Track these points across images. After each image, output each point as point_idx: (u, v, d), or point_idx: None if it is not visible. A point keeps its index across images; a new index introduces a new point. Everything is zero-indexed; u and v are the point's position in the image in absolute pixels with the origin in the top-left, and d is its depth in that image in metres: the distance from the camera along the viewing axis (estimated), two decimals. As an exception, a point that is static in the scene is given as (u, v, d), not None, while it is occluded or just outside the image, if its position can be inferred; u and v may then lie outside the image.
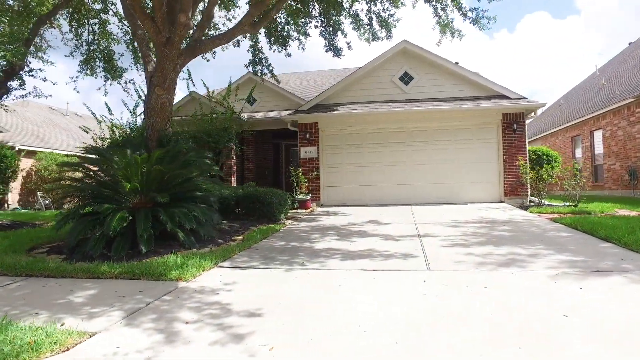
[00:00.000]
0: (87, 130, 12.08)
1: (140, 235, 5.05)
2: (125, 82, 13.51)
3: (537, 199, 9.22)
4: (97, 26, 12.09)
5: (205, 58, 12.25)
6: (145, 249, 5.03)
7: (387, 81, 11.38)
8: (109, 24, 12.32)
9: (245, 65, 11.80)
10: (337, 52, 11.62)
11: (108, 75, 13.06)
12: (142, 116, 12.23)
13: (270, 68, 11.82)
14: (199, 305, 3.22)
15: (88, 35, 12.15)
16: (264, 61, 11.72)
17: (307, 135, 11.40)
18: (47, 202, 16.44)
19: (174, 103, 13.55)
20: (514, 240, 5.47)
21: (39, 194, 16.55)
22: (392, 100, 11.24)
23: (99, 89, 13.57)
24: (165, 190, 5.99)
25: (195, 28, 6.53)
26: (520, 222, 7.00)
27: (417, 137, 11.09)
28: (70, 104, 49.95)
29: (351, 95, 11.57)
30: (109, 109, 13.15)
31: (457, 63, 16.92)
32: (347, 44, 11.43)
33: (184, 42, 6.82)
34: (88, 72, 12.82)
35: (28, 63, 11.48)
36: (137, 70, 13.58)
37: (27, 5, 8.74)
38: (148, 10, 6.26)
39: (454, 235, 5.95)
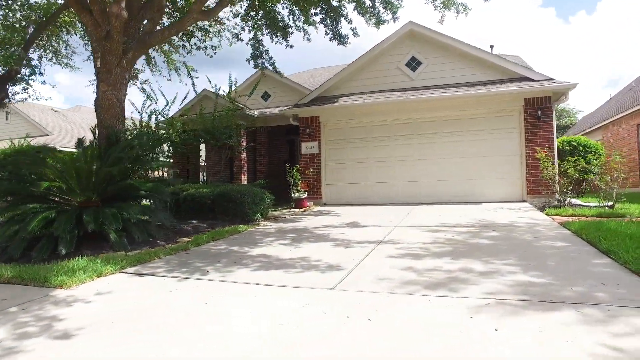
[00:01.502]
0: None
1: (59, 236, 4.78)
2: (142, 83, 13.77)
3: (564, 198, 7.67)
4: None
5: (208, 55, 12.07)
6: (65, 250, 4.75)
7: (393, 68, 10.31)
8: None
9: (247, 60, 11.38)
10: (341, 40, 10.80)
11: (123, 77, 13.38)
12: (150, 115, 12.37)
13: (272, 61, 11.29)
14: (35, 319, 2.81)
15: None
16: (264, 54, 11.25)
17: (308, 130, 10.72)
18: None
19: (184, 102, 13.69)
20: (488, 250, 4.38)
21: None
22: (399, 88, 10.16)
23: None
24: (105, 189, 5.71)
25: (147, 21, 6.18)
26: (520, 227, 5.75)
27: (426, 128, 9.92)
28: (130, 108, 53.18)
29: (354, 86, 10.66)
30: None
31: (492, 47, 15.18)
32: (353, 30, 10.47)
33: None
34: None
35: (41, 70, 12.09)
36: (152, 71, 13.76)
37: (27, 16, 9.07)
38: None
39: (421, 243, 4.97)
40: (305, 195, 9.84)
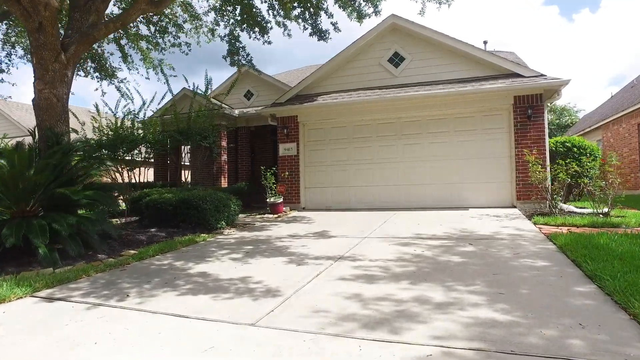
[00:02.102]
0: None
1: (-30, 252, 4.20)
2: (121, 82, 13.20)
3: (555, 204, 7.03)
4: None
5: (184, 52, 11.47)
6: (-22, 268, 4.17)
7: (375, 64, 9.69)
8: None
9: (223, 57, 10.79)
10: (322, 35, 10.20)
11: (99, 75, 12.83)
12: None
13: (249, 58, 10.70)
14: None
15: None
16: (241, 50, 10.66)
17: (286, 131, 10.12)
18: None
19: (162, 101, 13.09)
20: (456, 272, 3.77)
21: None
22: (381, 86, 9.54)
23: (96, 89, 13.38)
24: (39, 198, 5.13)
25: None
26: (501, 240, 5.14)
27: (410, 128, 9.30)
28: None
29: (335, 83, 10.05)
30: (97, 109, 12.83)
31: (485, 43, 14.53)
32: (333, 25, 9.87)
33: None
34: (81, 73, 12.67)
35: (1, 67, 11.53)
36: (129, 69, 13.19)
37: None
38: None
39: (384, 260, 4.37)
40: (281, 200, 9.24)
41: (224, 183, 12.83)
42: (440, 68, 9.10)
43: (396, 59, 9.48)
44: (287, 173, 9.97)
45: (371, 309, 2.88)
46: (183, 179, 13.62)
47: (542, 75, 8.17)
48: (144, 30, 11.64)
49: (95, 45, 12.54)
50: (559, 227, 5.76)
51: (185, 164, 17.21)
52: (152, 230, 6.91)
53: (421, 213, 8.29)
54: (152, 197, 7.59)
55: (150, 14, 10.04)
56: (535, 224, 6.22)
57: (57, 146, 5.43)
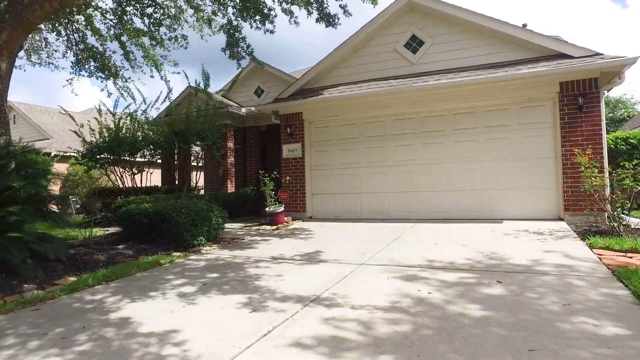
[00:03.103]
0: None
1: None
2: (126, 81, 12.61)
3: (619, 219, 5.39)
4: (79, 23, 11.27)
5: (182, 46, 10.60)
6: None
7: (389, 51, 8.34)
8: (94, 18, 11.45)
9: (222, 49, 9.82)
10: (330, 20, 8.98)
11: (102, 75, 12.27)
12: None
13: (250, 50, 9.67)
14: None
15: (72, 32, 11.42)
16: (240, 41, 9.65)
17: (289, 129, 8.97)
18: (77, 206, 16.75)
19: (165, 101, 12.35)
20: (469, 339, 2.46)
21: (70, 197, 16.92)
22: (396, 75, 8.18)
23: (102, 90, 12.83)
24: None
25: None
26: (543, 276, 3.71)
27: (431, 125, 7.88)
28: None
29: (343, 75, 8.79)
30: (99, 111, 12.25)
31: (524, 26, 12.77)
32: (343, 7, 8.62)
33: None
34: (84, 73, 12.18)
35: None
36: (132, 67, 12.55)
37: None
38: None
39: (371, 307, 3.10)
40: (281, 209, 8.10)
41: (231, 187, 11.90)
42: (467, 52, 7.62)
43: (414, 44, 8.09)
44: (288, 178, 8.83)
45: None
46: (194, 183, 12.85)
47: (597, 54, 6.52)
48: (138, 23, 10.93)
49: (97, 44, 11.99)
50: (629, 255, 4.23)
51: (200, 165, 16.53)
52: (120, 247, 5.97)
53: (443, 227, 6.88)
54: (129, 207, 6.69)
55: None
56: (591, 247, 4.69)
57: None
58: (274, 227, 7.81)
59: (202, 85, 10.68)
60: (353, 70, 8.65)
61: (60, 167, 17.30)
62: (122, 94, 11.32)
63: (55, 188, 17.47)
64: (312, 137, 9.00)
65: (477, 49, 7.55)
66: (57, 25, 11.11)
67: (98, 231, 8.24)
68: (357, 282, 3.87)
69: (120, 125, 10.83)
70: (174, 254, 5.64)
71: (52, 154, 16.59)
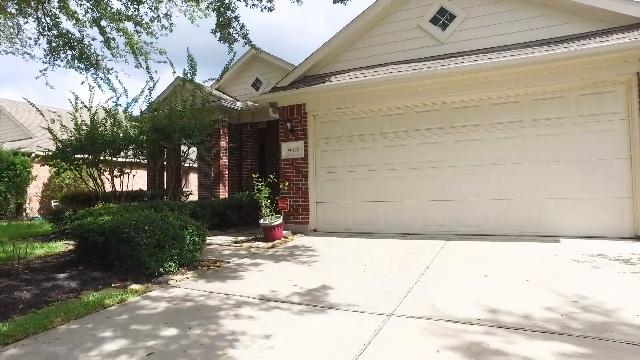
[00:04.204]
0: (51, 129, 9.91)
1: None
2: (108, 72, 11.20)
3: None
4: (51, 3, 9.89)
5: (166, 27, 9.19)
6: None
7: (411, 28, 6.86)
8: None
9: (211, 31, 8.39)
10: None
11: (81, 66, 10.87)
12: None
13: (244, 31, 8.23)
14: None
15: (43, 15, 10.03)
16: (233, 21, 8.21)
17: (289, 124, 7.51)
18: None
19: (151, 95, 10.95)
20: None
21: (52, 202, 15.56)
22: (420, 58, 6.71)
23: (82, 83, 11.45)
24: None
25: None
26: None
27: (464, 118, 6.40)
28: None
29: (354, 58, 7.32)
30: (76, 106, 10.82)
31: None
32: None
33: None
34: (59, 63, 10.81)
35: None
36: (114, 57, 11.14)
37: None
38: None
39: None
40: (279, 222, 6.63)
41: (224, 192, 10.45)
42: (508, 27, 6.13)
43: (442, 18, 6.60)
44: (288, 183, 7.37)
45: None
46: (186, 188, 11.41)
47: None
48: (117, 4, 9.54)
49: (75, 30, 10.60)
50: None
51: (194, 166, 15.09)
52: (62, 276, 4.52)
53: (483, 247, 5.39)
54: (83, 220, 5.25)
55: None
56: None
57: None
58: (270, 244, 6.34)
59: (188, 75, 9.25)
60: (366, 53, 7.18)
61: (44, 169, 15.96)
62: (99, 85, 9.94)
63: (35, 191, 16.13)
64: (317, 133, 7.53)
65: (522, 22, 6.05)
66: (24, 6, 9.73)
67: (58, 246, 6.82)
68: (391, 353, 2.40)
69: (97, 120, 9.44)
70: (132, 286, 4.20)
71: (33, 154, 15.25)
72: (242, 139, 11.35)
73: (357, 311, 3.21)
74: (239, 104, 10.79)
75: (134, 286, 4.23)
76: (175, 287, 4.22)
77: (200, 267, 4.97)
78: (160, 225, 4.59)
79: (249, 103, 10.69)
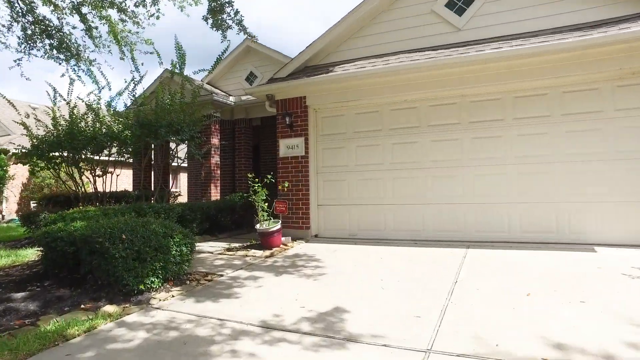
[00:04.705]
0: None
1: None
2: (90, 64, 10.38)
3: None
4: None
5: (152, 15, 8.43)
6: None
7: (424, 13, 6.23)
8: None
9: (203, 18, 7.66)
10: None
11: (60, 56, 10.03)
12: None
13: (238, 17, 7.52)
14: None
15: (17, 0, 9.19)
16: (226, 6, 7.51)
17: (288, 119, 6.83)
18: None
19: (145, 87, 10.20)
20: None
21: (31, 203, 14.64)
22: (435, 46, 6.08)
23: (63, 75, 10.59)
24: None
25: None
26: None
27: (483, 113, 5.79)
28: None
29: (360, 47, 6.67)
30: (52, 97, 9.95)
31: None
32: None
33: None
34: (36, 52, 9.96)
35: None
36: (97, 47, 10.33)
37: None
38: None
39: None
40: (278, 227, 5.94)
41: (215, 194, 9.72)
42: (533, 11, 5.54)
43: (459, 2, 5.98)
44: (287, 183, 6.69)
45: None
46: (174, 188, 10.64)
47: None
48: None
49: (53, 16, 9.80)
50: None
51: (183, 165, 14.31)
52: (20, 295, 3.79)
53: (511, 257, 4.78)
54: (52, 226, 4.50)
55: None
56: None
57: None
58: (267, 252, 5.65)
59: (178, 68, 8.50)
60: (373, 41, 6.53)
61: (24, 168, 15.00)
62: (79, 77, 9.17)
63: (14, 192, 15.17)
64: (318, 129, 6.87)
65: (548, 6, 5.46)
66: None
67: (28, 254, 6.05)
68: None
69: (77, 115, 8.65)
70: (105, 308, 3.48)
71: (10, 152, 14.31)
72: (235, 136, 10.63)
73: (385, 345, 2.55)
74: (231, 98, 10.08)
75: (108, 308, 3.51)
76: (157, 308, 3.51)
77: (188, 282, 4.26)
78: (141, 234, 3.87)
79: (243, 98, 9.98)
